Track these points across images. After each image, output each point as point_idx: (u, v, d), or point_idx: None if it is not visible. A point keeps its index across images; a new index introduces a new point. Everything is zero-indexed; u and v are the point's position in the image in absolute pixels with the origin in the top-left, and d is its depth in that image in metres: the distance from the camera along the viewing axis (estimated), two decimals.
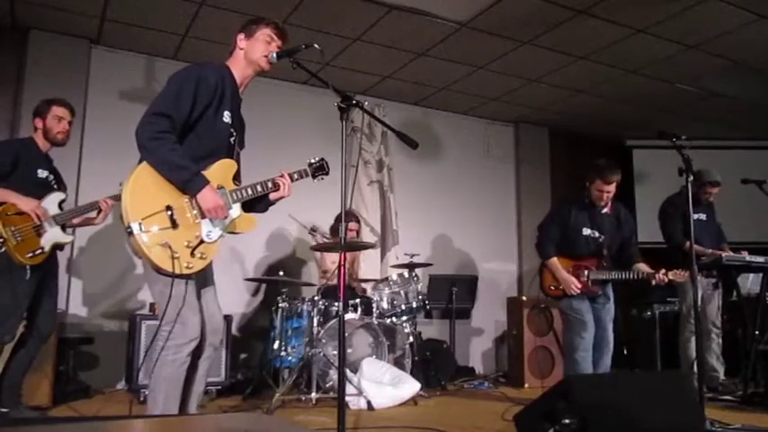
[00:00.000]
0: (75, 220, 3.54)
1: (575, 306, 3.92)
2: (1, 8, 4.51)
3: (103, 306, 4.86)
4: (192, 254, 2.27)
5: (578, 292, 3.88)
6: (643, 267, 3.90)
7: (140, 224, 2.16)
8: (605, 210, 4.01)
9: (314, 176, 2.73)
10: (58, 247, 3.39)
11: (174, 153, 2.23)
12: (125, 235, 2.23)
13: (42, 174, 3.42)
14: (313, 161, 2.73)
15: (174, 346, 2.26)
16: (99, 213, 3.53)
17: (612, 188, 3.88)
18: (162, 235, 2.20)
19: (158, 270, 2.23)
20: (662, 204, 4.77)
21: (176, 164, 2.24)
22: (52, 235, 3.31)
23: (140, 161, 2.28)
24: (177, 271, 2.21)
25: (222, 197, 2.35)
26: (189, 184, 2.26)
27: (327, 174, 2.75)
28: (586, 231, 3.97)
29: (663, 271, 3.74)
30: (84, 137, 4.89)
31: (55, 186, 3.49)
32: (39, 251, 3.24)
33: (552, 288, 4.02)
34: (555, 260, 4.01)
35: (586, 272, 3.95)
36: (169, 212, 2.23)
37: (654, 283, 3.78)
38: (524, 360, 5.21)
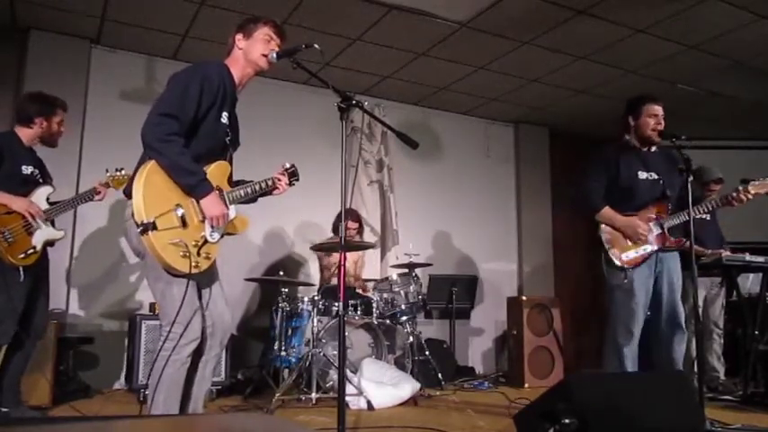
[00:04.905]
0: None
1: (636, 285, 3.22)
2: (1, 8, 4.51)
3: (103, 306, 4.86)
4: (198, 253, 2.28)
5: (648, 232, 3.24)
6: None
7: (154, 222, 2.14)
8: (653, 149, 3.42)
9: (289, 181, 2.69)
10: (49, 244, 3.30)
11: (184, 156, 2.23)
12: (124, 235, 2.22)
13: (27, 169, 3.26)
14: (287, 166, 2.70)
15: (176, 347, 2.26)
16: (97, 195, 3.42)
17: (662, 111, 3.36)
18: (173, 234, 2.20)
19: (169, 269, 2.22)
20: None
21: (185, 168, 2.24)
22: (43, 233, 3.22)
23: (142, 159, 2.27)
24: (188, 270, 2.21)
25: (222, 201, 2.36)
26: (196, 188, 2.26)
27: (298, 180, 2.72)
28: (643, 175, 3.33)
29: (741, 187, 3.26)
30: (84, 137, 4.89)
31: (40, 180, 3.34)
32: (31, 251, 3.15)
33: (626, 257, 3.23)
34: (608, 209, 3.32)
35: (659, 222, 3.27)
36: (179, 212, 2.23)
37: (735, 203, 3.26)
38: (524, 360, 5.22)
